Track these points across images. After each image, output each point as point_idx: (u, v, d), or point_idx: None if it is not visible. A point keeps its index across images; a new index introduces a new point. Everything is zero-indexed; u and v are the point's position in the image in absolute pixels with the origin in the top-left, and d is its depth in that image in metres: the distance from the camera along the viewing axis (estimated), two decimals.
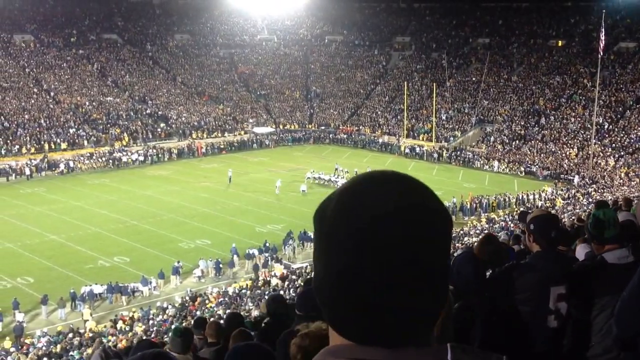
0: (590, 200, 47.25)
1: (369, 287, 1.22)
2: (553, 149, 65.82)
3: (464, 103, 79.89)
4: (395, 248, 1.21)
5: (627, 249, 4.69)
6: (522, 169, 63.62)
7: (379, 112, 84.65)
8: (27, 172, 60.56)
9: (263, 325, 7.85)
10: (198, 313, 28.42)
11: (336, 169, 59.50)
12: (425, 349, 1.28)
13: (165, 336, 23.98)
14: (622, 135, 64.21)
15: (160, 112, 79.13)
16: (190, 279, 36.62)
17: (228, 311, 24.55)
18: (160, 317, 30.16)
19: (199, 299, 32.31)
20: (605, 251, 4.73)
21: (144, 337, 23.56)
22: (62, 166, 62.73)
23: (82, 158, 65.27)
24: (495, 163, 65.44)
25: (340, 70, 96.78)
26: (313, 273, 1.37)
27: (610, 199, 31.57)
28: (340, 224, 1.24)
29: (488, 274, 5.23)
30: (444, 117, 78.41)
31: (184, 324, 23.85)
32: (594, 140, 62.92)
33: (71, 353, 25.82)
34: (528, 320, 4.71)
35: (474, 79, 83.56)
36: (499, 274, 4.98)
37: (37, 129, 68.34)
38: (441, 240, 1.27)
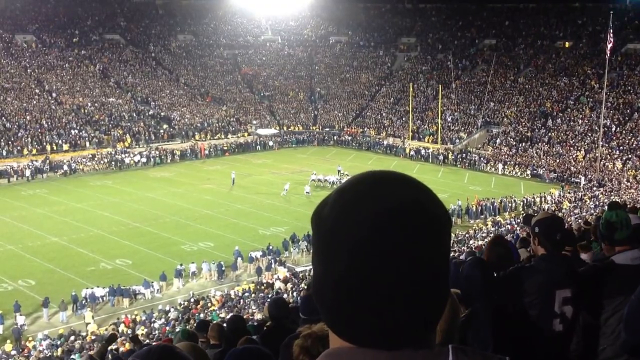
0: (597, 203, 46.78)
1: (369, 289, 1.21)
2: (560, 152, 65.16)
3: (470, 105, 79.29)
4: (394, 250, 1.21)
5: (639, 250, 4.66)
6: (529, 171, 62.96)
7: (384, 114, 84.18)
8: (27, 173, 60.06)
9: (265, 328, 8.07)
10: (201, 316, 28.06)
11: (339, 171, 58.89)
12: (426, 351, 1.27)
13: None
14: (629, 137, 63.60)
15: (163, 113, 78.70)
16: (193, 282, 36.24)
17: (230, 314, 24.19)
18: (163, 320, 29.84)
19: (201, 302, 31.92)
20: (616, 253, 4.72)
21: (146, 341, 23.32)
22: (65, 167, 62.31)
23: (84, 160, 64.77)
24: (500, 165, 64.77)
25: (344, 72, 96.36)
26: (312, 275, 1.35)
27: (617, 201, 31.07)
28: (338, 226, 1.24)
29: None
30: (449, 119, 77.83)
31: (187, 327, 23.45)
32: (601, 143, 62.22)
33: (72, 356, 25.70)
34: (534, 324, 4.64)
35: (480, 80, 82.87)
36: (505, 277, 4.83)
37: (39, 130, 67.92)
38: (441, 242, 1.26)
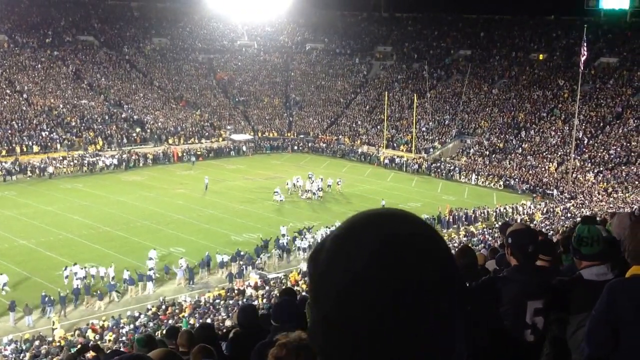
0: (569, 215, 46.94)
1: (357, 337, 1.16)
2: (533, 163, 65.53)
3: (445, 115, 79.60)
4: (384, 299, 1.15)
5: (606, 266, 4.66)
6: (501, 182, 63.17)
7: (359, 122, 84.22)
8: None
9: (232, 335, 8.07)
10: (170, 322, 27.76)
11: (309, 177, 58.83)
12: None
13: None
14: (601, 150, 64.02)
15: (136, 117, 78.01)
16: (163, 288, 35.88)
17: (201, 321, 24.00)
18: (131, 325, 29.42)
19: (170, 309, 31.55)
20: (584, 267, 4.74)
21: (114, 348, 23.13)
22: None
23: (54, 162, 63.93)
24: (474, 175, 64.96)
25: (320, 79, 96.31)
26: (310, 319, 1.34)
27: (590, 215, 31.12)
28: (330, 271, 1.21)
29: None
30: (424, 129, 78.00)
31: (156, 333, 23.24)
32: (574, 155, 62.65)
33: None
34: (507, 334, 4.70)
35: (455, 90, 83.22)
36: (479, 286, 4.92)
37: (9, 131, 67.03)
38: (443, 281, 1.19)
